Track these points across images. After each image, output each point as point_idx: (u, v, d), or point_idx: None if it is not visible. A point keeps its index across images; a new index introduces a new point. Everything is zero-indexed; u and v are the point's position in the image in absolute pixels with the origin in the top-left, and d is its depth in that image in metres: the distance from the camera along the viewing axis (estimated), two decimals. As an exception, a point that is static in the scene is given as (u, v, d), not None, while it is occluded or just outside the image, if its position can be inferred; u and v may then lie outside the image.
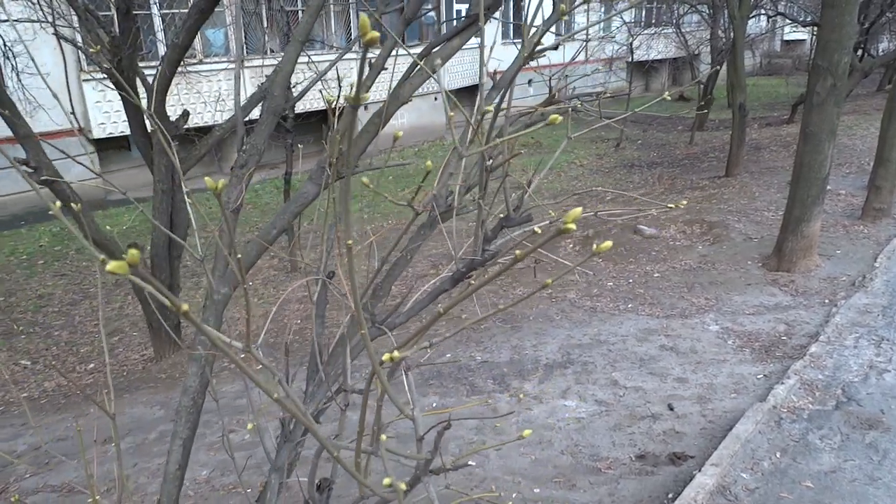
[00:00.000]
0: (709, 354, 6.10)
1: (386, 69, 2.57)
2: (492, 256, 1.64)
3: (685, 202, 1.61)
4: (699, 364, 5.95)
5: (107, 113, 12.38)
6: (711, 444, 4.75)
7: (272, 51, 13.65)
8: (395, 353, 0.87)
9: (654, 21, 20.93)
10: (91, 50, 6.42)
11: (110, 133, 12.51)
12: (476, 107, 1.42)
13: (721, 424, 5.00)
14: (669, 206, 1.52)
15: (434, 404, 5.53)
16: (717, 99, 18.21)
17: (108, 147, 12.86)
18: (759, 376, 5.67)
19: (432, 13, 16.65)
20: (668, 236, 9.34)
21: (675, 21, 16.72)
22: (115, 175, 13.40)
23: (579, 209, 0.73)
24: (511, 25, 19.91)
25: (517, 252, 0.98)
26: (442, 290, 1.79)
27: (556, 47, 1.05)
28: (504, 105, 1.78)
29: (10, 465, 4.88)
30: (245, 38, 13.60)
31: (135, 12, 10.42)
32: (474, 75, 16.92)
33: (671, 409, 5.32)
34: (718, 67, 16.17)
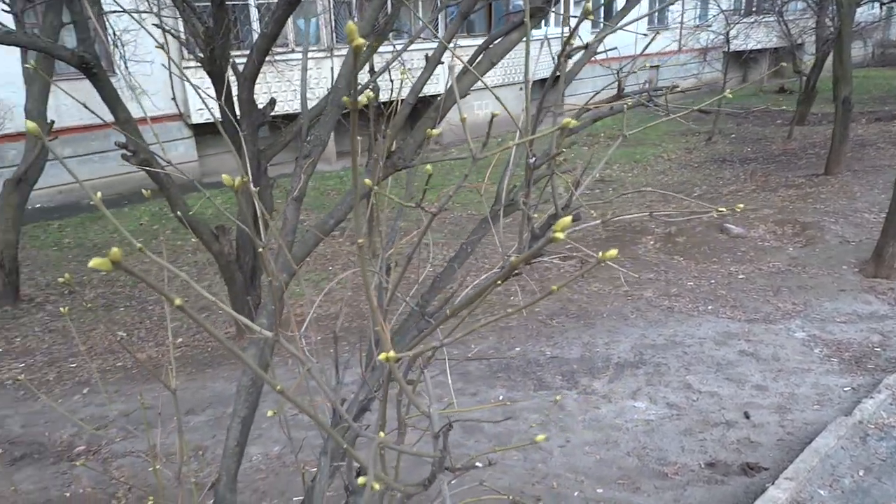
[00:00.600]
0: (792, 363, 5.81)
1: (442, 63, 2.57)
2: (537, 254, 1.62)
3: (741, 206, 1.54)
4: (781, 372, 5.68)
5: (206, 98, 12.97)
6: (788, 456, 4.54)
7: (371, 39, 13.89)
8: (392, 353, 0.88)
9: (754, 9, 19.91)
10: (157, 46, 6.72)
11: (207, 118, 13.11)
12: (524, 103, 1.41)
13: (800, 437, 4.77)
14: (721, 209, 1.46)
15: (500, 397, 5.54)
16: (821, 92, 17.17)
17: (205, 132, 13.48)
18: (846, 388, 5.36)
19: (520, 1, 16.49)
20: (756, 236, 8.93)
21: (777, 8, 15.85)
22: (210, 159, 14.07)
23: (569, 218, 0.72)
24: (602, 14, 19.43)
25: (513, 259, 0.98)
26: (491, 285, 1.79)
27: (585, 46, 1.02)
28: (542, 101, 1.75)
29: (102, 428, 5.25)
30: (335, 27, 13.91)
31: (229, 3, 10.83)
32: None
33: (747, 417, 5.11)
34: (822, 56, 15.24)
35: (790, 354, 5.95)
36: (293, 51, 13.44)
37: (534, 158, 1.33)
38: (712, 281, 7.68)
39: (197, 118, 12.96)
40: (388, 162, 2.11)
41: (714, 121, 16.18)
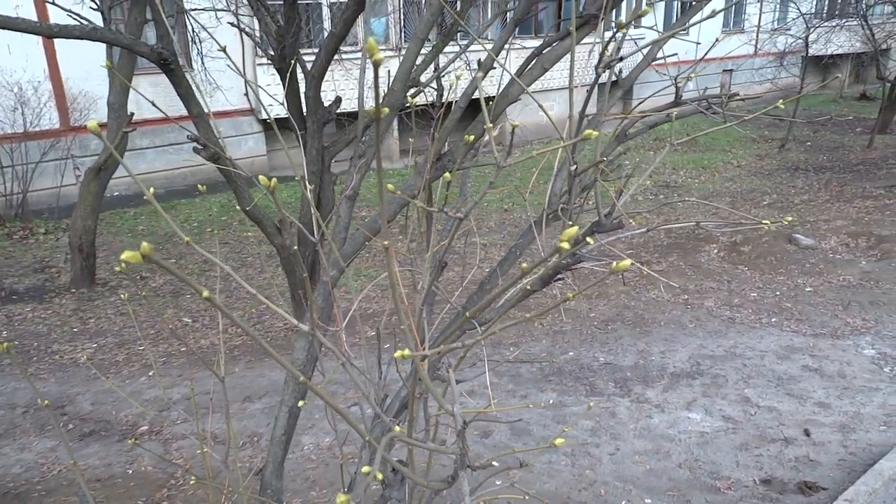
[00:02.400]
0: (859, 381, 5.57)
1: (494, 68, 2.57)
2: (578, 261, 1.62)
3: (790, 218, 1.50)
4: (846, 390, 5.46)
5: (276, 95, 13.36)
6: (849, 477, 4.36)
7: (429, 40, 14.02)
8: (406, 352, 0.91)
9: (836, 12, 19.07)
10: (218, 49, 6.97)
11: (277, 114, 13.49)
12: (569, 114, 1.41)
13: (863, 458, 4.57)
14: (765, 222, 1.43)
15: (551, 401, 5.51)
16: (906, 99, 16.31)
17: (287, 127, 13.87)
18: (917, 412, 5.10)
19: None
20: (827, 248, 8.58)
21: (861, 12, 15.14)
22: (279, 153, 14.47)
23: (575, 228, 0.72)
24: (675, 17, 19.00)
25: (523, 266, 0.99)
26: (531, 290, 1.80)
27: (621, 59, 1.01)
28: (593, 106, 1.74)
29: (165, 409, 5.49)
30: (404, 27, 14.07)
31: (302, 2, 11.06)
32: (630, 69, 16.36)
33: (807, 434, 4.93)
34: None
35: (857, 372, 5.70)
36: (363, 50, 13.69)
37: (575, 166, 1.33)
38: (777, 293, 7.42)
39: (268, 113, 13.35)
40: (438, 164, 2.13)
41: (788, 127, 15.61)
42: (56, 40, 10.67)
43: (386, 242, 0.90)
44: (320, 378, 2.87)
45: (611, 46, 1.49)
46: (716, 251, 8.74)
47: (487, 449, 4.84)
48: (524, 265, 0.94)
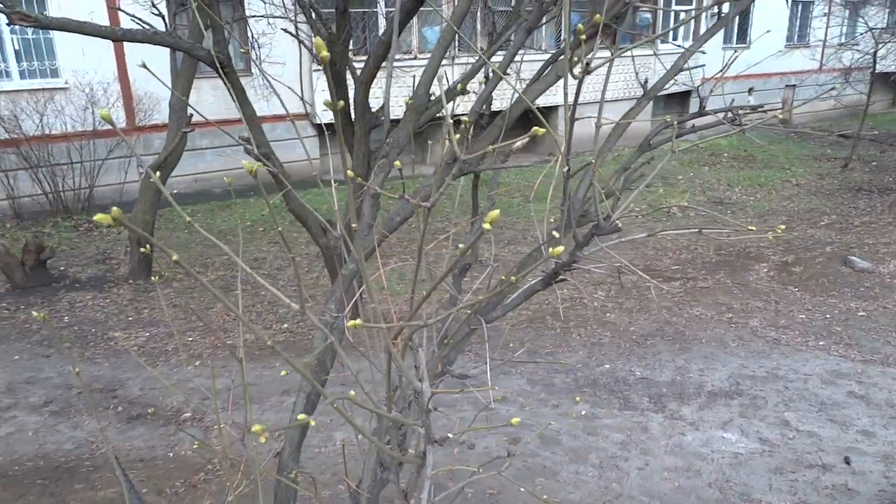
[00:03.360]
0: (907, 410, 5.37)
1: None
2: (574, 261, 1.66)
3: (782, 227, 1.51)
4: (894, 419, 5.27)
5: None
6: (887, 509, 4.22)
7: (482, 49, 14.14)
8: (358, 321, 0.97)
9: (909, 28, 18.36)
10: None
11: (331, 119, 13.80)
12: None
13: (904, 490, 4.42)
14: (751, 228, 1.44)
15: (583, 412, 5.50)
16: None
17: (328, 131, 14.20)
18: (967, 445, 4.89)
19: (648, 15, 16.13)
20: (885, 272, 8.27)
21: (935, 28, 14.55)
22: (332, 156, 14.79)
23: (497, 211, 0.77)
24: (735, 30, 18.64)
25: (511, 277, 1.05)
26: (534, 290, 1.85)
27: (589, 72, 1.04)
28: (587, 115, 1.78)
29: (207, 399, 5.70)
30: (457, 37, 14.22)
31: (357, 10, 11.32)
32: (687, 80, 16.13)
33: (847, 462, 4.78)
34: None
35: (906, 402, 5.50)
36: (416, 57, 13.88)
37: (567, 168, 1.38)
38: (827, 316, 7.20)
39: (322, 118, 13.67)
40: (454, 167, 2.20)
41: (853, 146, 15.09)
42: (125, 44, 11.21)
43: (355, 226, 0.98)
44: (345, 370, 2.97)
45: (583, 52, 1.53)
46: (765, 270, 8.54)
47: (522, 446, 4.86)
48: (509, 275, 0.99)
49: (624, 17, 2.23)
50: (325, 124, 13.79)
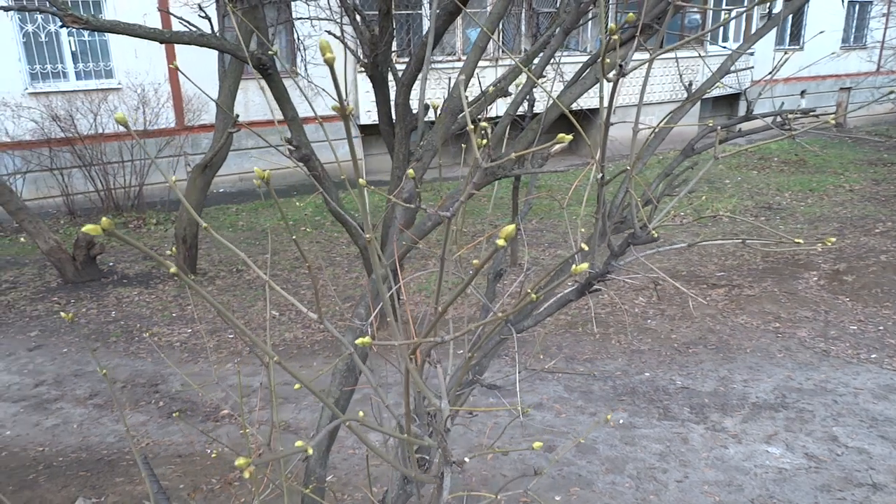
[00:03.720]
0: (966, 430, 5.11)
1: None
2: (608, 271, 1.60)
3: (832, 239, 1.43)
4: (950, 439, 5.02)
5: (373, 102, 13.77)
6: (942, 533, 4.02)
7: (525, 50, 14.05)
8: (366, 339, 0.94)
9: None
10: (324, 59, 7.15)
11: (374, 120, 13.89)
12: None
13: (961, 514, 4.20)
14: (798, 241, 1.36)
15: (621, 420, 5.39)
16: None
17: (371, 132, 14.28)
18: None
19: (697, 16, 15.80)
20: (944, 284, 7.91)
21: None
22: (373, 158, 14.89)
23: (512, 227, 0.72)
24: (788, 31, 18.12)
25: (532, 294, 1.00)
26: (567, 299, 1.79)
27: (624, 75, 0.96)
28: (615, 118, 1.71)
29: (244, 396, 5.77)
30: (501, 38, 14.15)
31: (401, 13, 11.35)
32: (736, 83, 15.72)
33: (900, 482, 4.57)
34: None
35: (965, 421, 5.24)
36: (459, 59, 13.87)
37: (601, 175, 1.33)
38: (881, 327, 6.92)
39: (365, 119, 13.77)
40: (488, 171, 2.16)
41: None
42: (176, 46, 11.47)
43: (368, 236, 0.95)
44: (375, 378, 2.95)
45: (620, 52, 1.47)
46: (815, 279, 8.25)
47: (549, 463, 4.79)
48: (532, 291, 0.95)
49: (665, 18, 2.16)
50: (368, 125, 13.88)
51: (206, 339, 7.17)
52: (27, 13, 11.27)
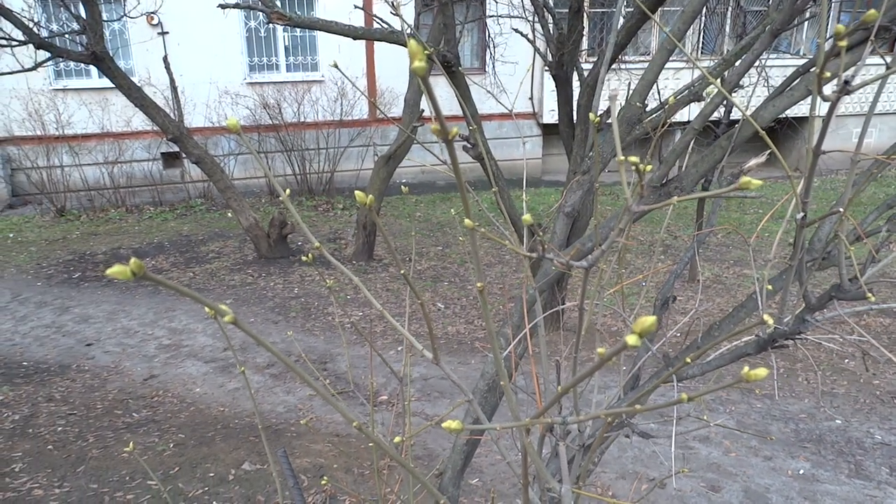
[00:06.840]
0: None
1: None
2: (799, 331, 1.34)
3: None
4: None
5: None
6: None
7: (727, 51, 13.05)
8: (455, 423, 0.81)
9: None
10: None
11: (556, 120, 13.69)
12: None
13: None
14: None
15: (801, 471, 4.79)
16: None
17: (552, 132, 14.10)
18: None
19: None
20: None
21: None
22: (553, 157, 14.68)
23: (653, 319, 0.53)
24: None
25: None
26: (744, 352, 1.54)
27: (848, 92, 0.72)
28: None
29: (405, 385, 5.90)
30: (702, 37, 13.27)
31: (594, 10, 11.01)
32: None
33: None
34: None
35: None
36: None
37: (802, 214, 1.09)
38: None
39: (548, 118, 13.60)
40: (663, 190, 1.94)
41: None
42: (375, 43, 12.07)
43: (480, 284, 0.83)
44: (520, 395, 2.83)
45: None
46: None
47: (712, 505, 4.37)
48: (693, 344, 0.78)
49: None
50: (550, 124, 13.71)
51: (375, 323, 7.47)
52: (250, 11, 12.45)
